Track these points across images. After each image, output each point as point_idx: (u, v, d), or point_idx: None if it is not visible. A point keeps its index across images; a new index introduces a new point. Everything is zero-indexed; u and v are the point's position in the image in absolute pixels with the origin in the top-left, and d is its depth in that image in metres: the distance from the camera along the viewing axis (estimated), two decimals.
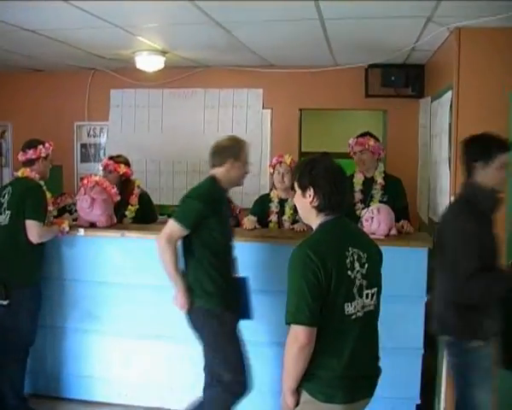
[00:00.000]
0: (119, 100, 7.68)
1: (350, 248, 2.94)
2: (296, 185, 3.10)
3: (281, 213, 5.53)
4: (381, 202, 5.34)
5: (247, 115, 7.34)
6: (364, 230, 4.56)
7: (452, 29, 4.74)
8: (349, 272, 2.89)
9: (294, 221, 5.38)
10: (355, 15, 4.52)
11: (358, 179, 5.58)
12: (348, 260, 2.90)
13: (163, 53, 5.95)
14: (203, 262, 4.19)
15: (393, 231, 4.86)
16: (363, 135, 5.52)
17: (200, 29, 4.93)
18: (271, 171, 5.61)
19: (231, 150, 4.42)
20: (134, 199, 5.73)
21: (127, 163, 5.78)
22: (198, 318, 4.18)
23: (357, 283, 2.92)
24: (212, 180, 4.44)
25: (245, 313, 4.40)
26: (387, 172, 5.66)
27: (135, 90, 7.55)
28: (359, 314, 2.93)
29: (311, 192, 2.99)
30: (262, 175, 7.34)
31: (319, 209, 3.00)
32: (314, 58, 6.57)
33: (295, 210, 5.36)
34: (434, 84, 6.04)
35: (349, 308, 2.89)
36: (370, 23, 4.77)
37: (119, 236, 5.09)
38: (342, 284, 2.86)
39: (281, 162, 5.49)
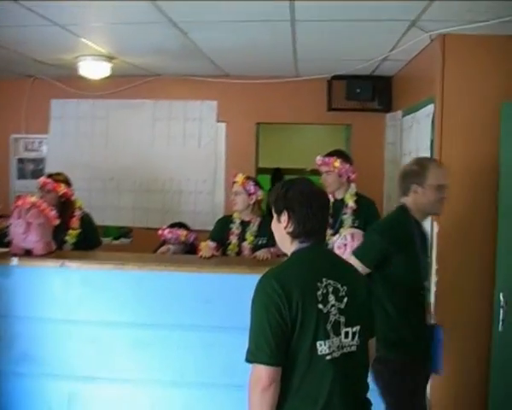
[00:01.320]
0: (61, 111, 6.96)
1: (323, 279, 2.59)
2: (272, 209, 2.83)
3: (242, 236, 4.96)
4: (352, 227, 4.81)
5: (200, 129, 6.74)
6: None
7: (435, 36, 4.30)
8: (320, 306, 2.53)
9: (256, 248, 4.84)
10: (330, 18, 4.02)
11: None
12: (320, 293, 2.55)
13: (109, 59, 5.34)
14: (387, 306, 3.61)
15: None
16: (331, 154, 4.92)
17: (153, 29, 4.36)
18: None
19: (413, 175, 3.72)
20: (75, 222, 5.04)
21: (67, 182, 5.10)
22: (379, 370, 3.50)
23: (332, 318, 2.56)
24: (401, 210, 3.76)
25: (435, 367, 3.74)
26: (360, 194, 5.08)
27: (78, 100, 6.84)
28: (336, 355, 2.55)
29: (285, 217, 2.72)
30: (216, 193, 6.76)
31: (294, 235, 2.71)
32: (274, 68, 6.07)
33: (257, 235, 4.92)
34: (406, 97, 5.59)
35: (322, 347, 2.52)
36: (345, 27, 4.28)
37: (59, 265, 4.37)
38: (311, 319, 2.52)
39: (233, 183, 4.97)
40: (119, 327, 4.28)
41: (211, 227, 6.37)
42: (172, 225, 5.29)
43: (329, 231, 4.83)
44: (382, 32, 4.34)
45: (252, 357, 2.53)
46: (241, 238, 4.96)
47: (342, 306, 2.60)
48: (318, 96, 6.58)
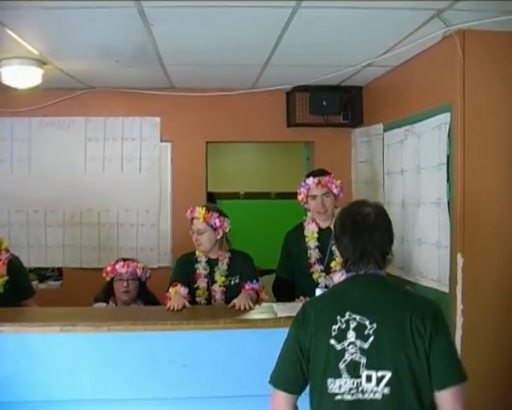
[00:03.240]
0: None
1: (347, 314, 2.36)
2: None
3: (211, 278, 4.09)
4: None
5: (140, 150, 5.74)
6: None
7: (450, 32, 3.55)
8: (332, 341, 2.34)
9: (229, 289, 4.05)
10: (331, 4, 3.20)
11: (312, 232, 4.21)
12: (335, 327, 2.35)
13: (41, 63, 4.25)
14: None
15: None
16: (322, 173, 4.19)
17: (110, 17, 3.35)
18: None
19: None
20: (1, 268, 3.98)
21: None
22: None
23: (348, 357, 2.32)
24: None
25: None
26: None
27: None
28: (346, 397, 2.31)
29: (337, 248, 2.66)
30: (161, 225, 5.77)
31: (343, 266, 2.54)
32: (227, 78, 5.20)
33: (228, 275, 4.08)
34: (390, 108, 4.85)
35: (332, 386, 2.34)
36: (347, 16, 3.46)
37: None
38: (322, 353, 2.37)
39: (193, 218, 4.15)
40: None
41: (156, 265, 5.50)
42: (117, 261, 4.38)
43: (319, 267, 4.09)
44: (392, 23, 3.55)
45: (270, 379, 2.49)
46: (210, 280, 4.09)
47: (365, 345, 2.32)
48: (276, 111, 5.78)
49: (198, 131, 5.79)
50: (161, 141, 5.77)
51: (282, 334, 3.38)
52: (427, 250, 4.06)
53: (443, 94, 3.83)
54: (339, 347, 2.34)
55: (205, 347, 3.49)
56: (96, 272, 5.46)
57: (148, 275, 4.33)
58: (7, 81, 4.42)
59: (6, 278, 3.96)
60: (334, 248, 4.08)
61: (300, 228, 4.29)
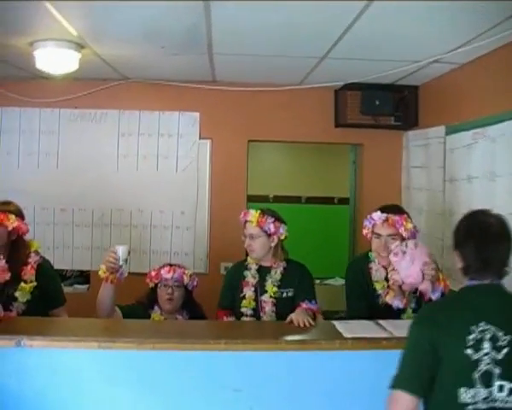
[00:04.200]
0: None
1: (481, 324, 2.39)
2: None
3: (260, 287, 3.68)
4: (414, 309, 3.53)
5: (177, 147, 5.31)
6: (390, 268, 3.43)
7: None
8: (468, 351, 2.37)
9: (280, 302, 3.63)
10: None
11: (381, 278, 3.61)
12: (471, 337, 2.38)
13: (79, 47, 3.82)
14: None
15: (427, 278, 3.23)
16: (393, 210, 3.63)
17: None
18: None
19: None
20: (30, 272, 3.55)
21: (20, 214, 3.61)
22: None
23: (483, 368, 2.37)
24: None
25: None
26: None
27: (20, 108, 5.22)
28: (480, 406, 2.37)
29: (457, 253, 2.59)
30: (198, 228, 5.35)
31: (464, 273, 2.56)
32: (275, 72, 4.76)
33: (281, 285, 3.63)
34: (453, 109, 4.39)
35: (464, 395, 2.38)
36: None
37: (14, 345, 2.90)
38: (456, 363, 2.40)
39: (246, 222, 3.69)
40: None
41: (191, 272, 5.07)
42: (163, 266, 3.93)
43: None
44: (474, 15, 3.12)
45: (396, 384, 2.45)
46: (260, 290, 3.68)
47: (500, 356, 2.38)
48: (324, 110, 5.35)
49: (239, 128, 5.37)
50: (200, 138, 5.33)
51: (348, 358, 3.04)
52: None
53: None
54: (475, 357, 2.37)
55: (260, 370, 3.04)
56: (127, 276, 5.12)
57: (195, 283, 3.91)
58: (41, 66, 3.96)
59: (34, 283, 3.53)
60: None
61: (365, 266, 3.68)
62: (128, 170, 5.28)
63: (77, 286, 5.42)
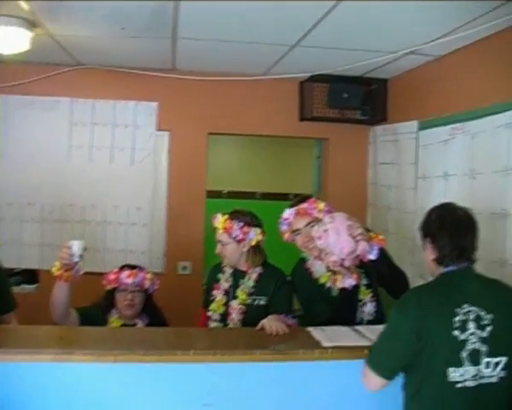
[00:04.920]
0: None
1: (465, 306, 2.51)
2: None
3: (233, 292, 3.43)
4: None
5: (134, 139, 4.97)
6: (323, 254, 3.13)
7: None
8: (455, 333, 2.47)
9: (250, 310, 3.36)
10: None
11: (324, 271, 3.34)
12: (457, 319, 2.49)
13: (31, 25, 3.45)
14: None
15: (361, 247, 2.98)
16: (298, 201, 3.41)
17: None
18: None
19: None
20: None
21: None
22: None
23: (470, 347, 2.49)
24: None
25: None
26: None
27: None
28: (468, 384, 2.49)
29: (428, 244, 2.70)
30: (155, 225, 5.03)
31: (438, 262, 2.66)
32: (240, 60, 4.49)
33: (253, 293, 3.37)
34: (428, 103, 4.21)
35: (454, 374, 2.48)
36: None
37: None
38: (444, 344, 2.48)
39: (216, 227, 3.43)
40: None
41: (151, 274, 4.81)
42: (123, 267, 3.64)
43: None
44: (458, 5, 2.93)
45: (373, 364, 2.58)
46: (232, 295, 3.42)
47: (485, 334, 2.51)
48: (289, 103, 5.12)
49: (200, 120, 5.08)
50: (158, 129, 5.02)
51: (328, 368, 2.81)
52: (482, 268, 3.44)
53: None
54: (462, 337, 2.47)
55: (232, 383, 2.77)
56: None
57: (156, 287, 3.62)
58: None
59: None
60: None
61: (304, 270, 3.39)
62: (81, 162, 4.92)
63: (24, 286, 5.03)
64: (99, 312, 3.56)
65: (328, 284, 3.31)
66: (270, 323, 3.10)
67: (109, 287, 3.57)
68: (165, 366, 2.71)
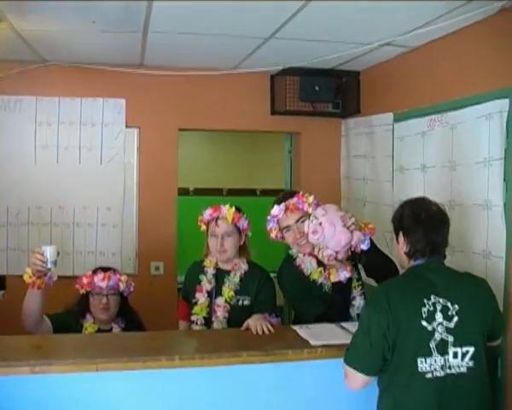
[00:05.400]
0: None
1: (432, 297, 2.58)
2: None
3: (216, 291, 3.35)
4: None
5: (102, 137, 4.82)
6: (316, 250, 3.05)
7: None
8: (424, 323, 2.53)
9: (235, 310, 3.30)
10: None
11: (314, 267, 3.27)
12: (425, 309, 2.55)
13: None
14: None
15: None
16: (285, 196, 3.31)
17: None
18: (203, 228, 3.39)
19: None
20: None
21: None
22: None
23: (437, 337, 2.54)
24: None
25: None
26: None
27: None
28: (437, 374, 2.54)
29: (401, 238, 2.76)
30: (126, 226, 4.89)
31: (409, 255, 2.74)
32: (211, 53, 4.38)
33: (239, 292, 3.30)
34: (402, 96, 4.18)
35: (423, 365, 2.54)
36: None
37: None
38: (413, 335, 2.54)
39: (217, 219, 3.31)
40: None
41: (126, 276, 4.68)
42: (96, 270, 3.51)
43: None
44: None
45: (350, 362, 2.61)
46: (215, 294, 3.34)
47: (451, 325, 2.57)
48: (260, 97, 5.04)
49: (170, 116, 4.95)
50: (126, 127, 4.87)
51: (318, 367, 2.75)
52: (465, 260, 3.42)
53: (496, 77, 3.18)
54: (429, 328, 2.53)
55: (220, 387, 2.69)
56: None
57: (131, 289, 3.50)
58: None
59: None
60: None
61: (293, 268, 3.31)
62: (47, 163, 4.75)
63: None
64: (72, 318, 3.44)
65: (320, 280, 3.24)
66: (256, 322, 3.04)
67: (82, 291, 3.44)
68: (150, 373, 2.62)
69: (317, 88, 4.78)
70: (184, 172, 5.36)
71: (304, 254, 3.29)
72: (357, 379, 2.62)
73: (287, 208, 3.23)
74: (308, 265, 3.28)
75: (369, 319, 2.60)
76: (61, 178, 4.77)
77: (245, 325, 3.05)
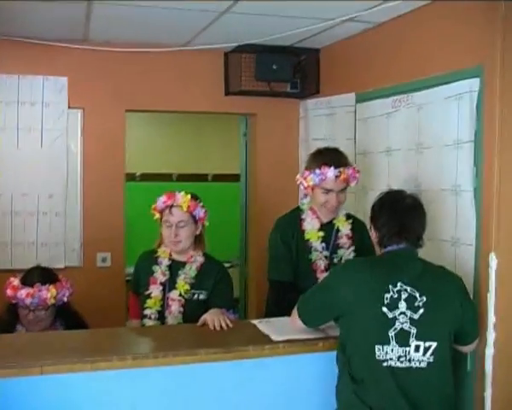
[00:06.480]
0: None
1: (398, 284, 2.60)
2: None
3: (170, 284, 3.24)
4: None
5: (42, 118, 4.59)
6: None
7: None
8: (384, 309, 2.56)
9: (190, 304, 3.19)
10: None
11: (313, 228, 3.45)
12: (388, 295, 2.57)
13: None
14: None
15: None
16: (343, 162, 3.38)
17: None
18: (157, 217, 3.25)
19: None
20: None
21: None
22: None
23: (398, 326, 2.56)
24: None
25: None
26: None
27: None
28: (392, 364, 2.56)
29: (372, 229, 2.87)
30: (69, 212, 4.69)
31: (380, 244, 2.81)
32: (162, 28, 4.21)
33: (194, 286, 3.20)
34: (365, 76, 4.12)
35: (380, 352, 2.56)
36: None
37: None
38: (372, 319, 2.59)
39: (171, 207, 3.19)
40: None
41: (62, 265, 4.54)
42: (26, 275, 3.32)
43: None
44: None
45: (301, 313, 2.79)
46: (169, 287, 3.23)
47: (415, 316, 2.58)
48: (213, 76, 4.88)
49: (116, 96, 4.76)
50: (69, 107, 4.66)
51: (280, 364, 2.69)
52: (433, 247, 3.38)
53: (466, 56, 3.12)
54: (390, 315, 2.56)
55: (176, 388, 2.60)
56: None
57: (65, 298, 3.30)
58: None
59: None
60: (341, 252, 3.46)
61: (296, 219, 3.49)
62: None
63: None
64: (3, 326, 3.23)
65: (313, 243, 3.43)
66: (213, 317, 2.96)
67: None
68: (100, 374, 2.50)
69: (274, 66, 4.66)
70: (130, 157, 5.22)
71: (313, 213, 3.49)
72: (297, 324, 2.81)
73: (339, 175, 3.33)
74: (310, 222, 3.47)
75: (333, 281, 2.74)
76: None
77: (201, 320, 2.96)
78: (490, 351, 2.98)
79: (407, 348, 2.55)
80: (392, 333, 2.55)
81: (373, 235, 2.86)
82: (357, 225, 3.54)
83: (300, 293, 2.97)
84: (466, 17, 3.15)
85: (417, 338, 2.56)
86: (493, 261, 2.97)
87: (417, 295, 2.58)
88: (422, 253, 2.94)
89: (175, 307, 3.18)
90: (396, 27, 3.79)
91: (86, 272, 4.64)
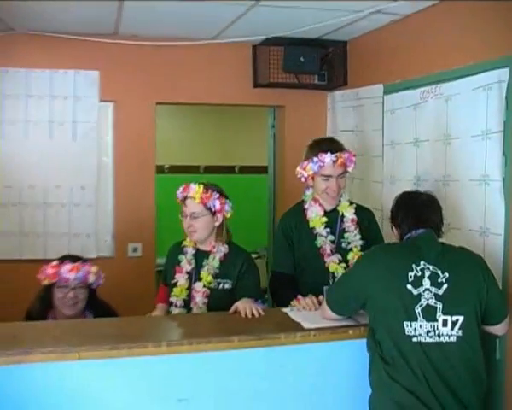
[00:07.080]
0: None
1: (421, 262, 2.71)
2: None
3: (195, 274, 3.29)
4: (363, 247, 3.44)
5: (74, 111, 4.71)
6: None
7: None
8: (409, 287, 2.66)
9: (215, 294, 3.23)
10: None
11: (317, 215, 3.49)
12: (412, 274, 2.68)
13: None
14: None
15: None
16: (338, 147, 3.45)
17: None
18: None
19: None
20: None
21: None
22: None
23: (424, 302, 2.65)
24: None
25: None
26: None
27: None
28: (423, 339, 2.64)
29: (393, 229, 3.02)
30: (101, 205, 4.83)
31: (401, 239, 2.93)
32: (192, 21, 4.28)
33: (218, 275, 3.24)
34: (393, 67, 4.15)
35: (408, 328, 2.65)
36: None
37: None
38: (398, 297, 2.67)
39: (186, 198, 3.26)
40: None
41: (94, 255, 4.65)
42: (62, 260, 3.37)
43: (336, 258, 3.43)
44: None
45: (331, 304, 2.86)
46: (194, 277, 3.29)
47: (440, 292, 2.66)
48: (241, 68, 4.98)
49: (146, 89, 4.88)
50: (101, 101, 4.78)
51: (312, 351, 2.74)
52: (461, 237, 3.41)
53: (495, 46, 3.15)
54: (415, 292, 2.66)
55: (210, 374, 2.67)
56: (17, 264, 4.56)
57: (100, 281, 3.41)
58: None
59: None
60: (347, 234, 3.48)
61: (299, 211, 3.55)
62: (15, 139, 4.64)
63: None
64: (35, 315, 3.30)
65: (318, 230, 3.47)
66: (245, 305, 3.03)
67: (46, 282, 3.31)
68: (135, 360, 2.58)
69: (302, 59, 4.73)
70: (159, 149, 5.32)
71: (315, 202, 3.53)
72: (326, 313, 2.88)
73: (336, 160, 3.39)
74: (313, 210, 3.52)
75: (356, 271, 2.85)
76: (31, 155, 4.69)
77: (233, 307, 3.03)
78: None
79: (435, 323, 2.62)
80: (418, 309, 2.62)
81: (394, 233, 2.99)
82: (364, 213, 3.59)
83: (300, 289, 3.17)
84: (493, 7, 3.18)
85: (444, 313, 2.63)
86: None
87: (439, 272, 2.67)
88: (450, 242, 2.99)
89: (199, 299, 3.24)
90: (423, 19, 3.82)
91: (117, 262, 4.77)
